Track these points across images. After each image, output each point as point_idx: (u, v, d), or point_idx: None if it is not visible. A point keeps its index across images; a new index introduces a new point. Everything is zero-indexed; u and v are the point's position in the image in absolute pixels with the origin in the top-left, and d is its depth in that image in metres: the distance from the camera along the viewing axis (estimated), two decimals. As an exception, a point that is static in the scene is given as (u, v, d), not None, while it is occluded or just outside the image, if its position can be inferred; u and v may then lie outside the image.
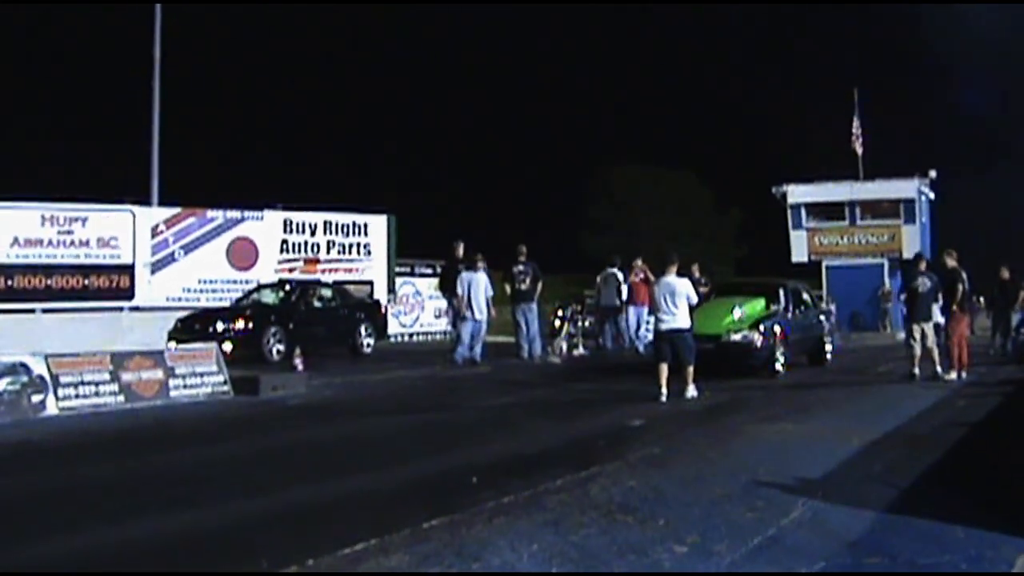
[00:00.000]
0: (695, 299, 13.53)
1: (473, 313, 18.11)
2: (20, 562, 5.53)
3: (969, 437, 10.03)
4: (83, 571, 5.38)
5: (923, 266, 15.99)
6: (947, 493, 7.19)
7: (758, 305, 16.55)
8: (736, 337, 15.44)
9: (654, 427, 10.55)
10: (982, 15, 39.18)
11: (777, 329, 16.05)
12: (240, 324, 18.00)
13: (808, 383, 15.16)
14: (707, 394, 13.03)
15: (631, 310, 21.18)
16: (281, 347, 18.07)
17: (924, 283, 15.49)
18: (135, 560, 5.56)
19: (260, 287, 20.92)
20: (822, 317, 19.38)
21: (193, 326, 17.92)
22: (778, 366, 15.84)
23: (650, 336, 16.00)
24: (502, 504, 6.63)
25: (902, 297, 16.19)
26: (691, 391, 12.94)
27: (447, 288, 19.48)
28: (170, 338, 17.36)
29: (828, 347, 18.69)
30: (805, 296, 18.63)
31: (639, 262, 21.59)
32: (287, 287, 20.47)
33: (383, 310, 22.69)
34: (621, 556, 5.43)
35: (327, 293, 21.05)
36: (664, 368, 12.90)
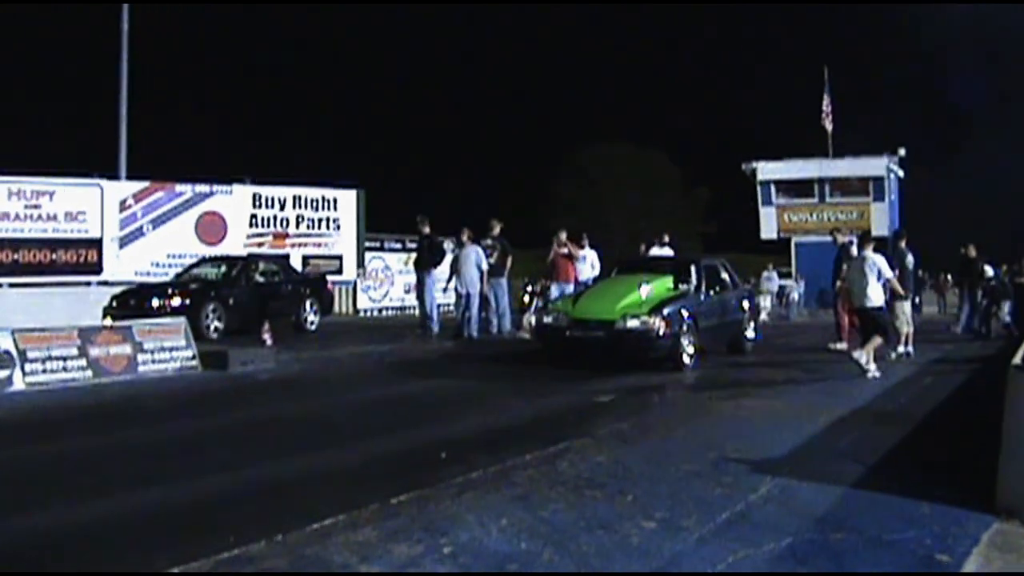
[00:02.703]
0: (888, 273, 13.25)
1: (460, 287, 18.33)
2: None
3: (935, 414, 10.13)
4: (46, 550, 5.32)
5: (904, 243, 15.85)
6: (914, 469, 7.24)
7: (665, 284, 14.54)
8: (633, 324, 13.20)
9: (622, 403, 10.57)
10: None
11: (684, 314, 13.74)
12: (176, 300, 17.30)
13: (774, 361, 15.22)
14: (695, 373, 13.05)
15: (553, 287, 19.66)
16: (219, 324, 17.58)
17: (911, 260, 15.41)
18: (101, 538, 5.51)
19: (201, 262, 20.56)
20: (742, 299, 16.42)
21: (128, 302, 17.48)
22: (685, 358, 13.59)
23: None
24: (470, 479, 6.64)
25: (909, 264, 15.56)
26: (872, 367, 12.69)
27: (422, 265, 19.33)
28: (105, 314, 16.98)
29: (749, 336, 16.33)
30: (724, 275, 16.07)
31: (562, 236, 19.90)
32: (229, 262, 20.06)
33: (329, 286, 22.15)
34: (590, 531, 5.43)
35: (270, 268, 20.54)
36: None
